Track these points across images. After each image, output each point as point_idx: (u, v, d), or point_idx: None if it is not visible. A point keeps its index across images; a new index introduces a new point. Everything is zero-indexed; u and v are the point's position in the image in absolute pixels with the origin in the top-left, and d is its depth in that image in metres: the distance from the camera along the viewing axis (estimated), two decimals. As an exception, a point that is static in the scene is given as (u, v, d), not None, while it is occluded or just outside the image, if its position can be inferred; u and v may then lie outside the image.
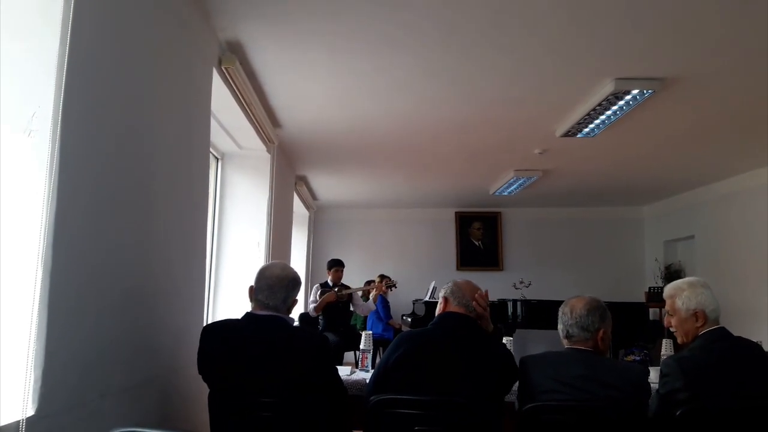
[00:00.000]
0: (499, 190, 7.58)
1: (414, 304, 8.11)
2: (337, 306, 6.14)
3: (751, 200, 6.57)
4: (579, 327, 2.26)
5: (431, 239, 9.57)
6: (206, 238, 3.25)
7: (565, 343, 2.32)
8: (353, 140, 5.52)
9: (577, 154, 5.93)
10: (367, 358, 3.52)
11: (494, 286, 8.15)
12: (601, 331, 2.26)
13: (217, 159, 5.00)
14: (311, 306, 6.10)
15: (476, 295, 2.42)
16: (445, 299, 2.44)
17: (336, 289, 6.16)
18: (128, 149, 2.18)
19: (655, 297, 7.82)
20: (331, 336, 5.83)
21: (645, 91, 3.93)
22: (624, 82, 3.85)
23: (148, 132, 2.37)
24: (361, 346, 3.59)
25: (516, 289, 8.02)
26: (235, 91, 3.71)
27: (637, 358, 6.08)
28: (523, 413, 2.14)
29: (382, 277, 7.16)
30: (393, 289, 7.27)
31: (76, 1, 1.71)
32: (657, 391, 2.30)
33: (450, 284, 2.48)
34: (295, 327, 2.39)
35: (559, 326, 2.33)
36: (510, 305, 7.20)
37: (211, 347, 2.24)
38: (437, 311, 2.47)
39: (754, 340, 2.44)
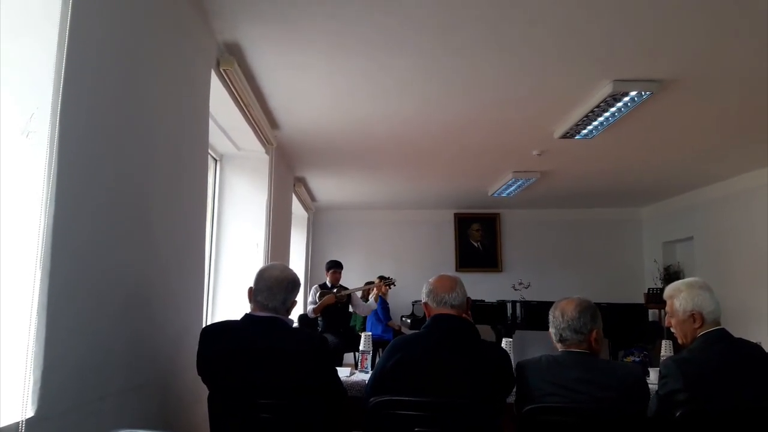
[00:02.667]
0: (497, 192, 7.58)
1: (413, 305, 8.11)
2: (336, 307, 6.14)
3: (749, 201, 6.58)
4: (572, 330, 2.25)
5: (430, 240, 9.57)
6: (205, 239, 3.25)
7: (559, 347, 2.31)
8: (352, 142, 5.52)
9: (576, 156, 5.93)
10: (366, 359, 3.52)
11: (493, 287, 8.28)
12: (594, 332, 2.26)
13: (216, 160, 5.00)
14: (310, 307, 6.10)
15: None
16: (425, 305, 2.45)
17: (335, 291, 6.16)
18: (127, 150, 2.18)
19: (654, 298, 7.82)
20: (330, 337, 5.82)
21: (643, 93, 3.93)
22: (622, 84, 3.85)
23: (147, 133, 2.37)
24: (361, 348, 3.59)
25: (515, 290, 8.03)
26: (233, 92, 3.71)
27: (637, 359, 6.07)
28: (522, 415, 2.14)
29: (381, 278, 7.16)
30: (392, 287, 7.28)
31: (75, 2, 1.71)
32: (656, 392, 2.30)
33: (425, 288, 2.46)
34: (295, 328, 2.39)
35: (551, 330, 2.32)
36: (509, 306, 7.21)
37: (211, 348, 2.24)
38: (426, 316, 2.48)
39: (754, 341, 2.44)
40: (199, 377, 2.25)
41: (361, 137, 5.36)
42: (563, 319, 2.27)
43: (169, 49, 2.62)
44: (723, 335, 2.35)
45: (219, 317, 4.62)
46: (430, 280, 2.49)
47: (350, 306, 6.46)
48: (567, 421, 2.13)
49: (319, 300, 6.05)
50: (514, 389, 2.37)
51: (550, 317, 2.33)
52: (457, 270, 9.32)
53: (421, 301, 2.52)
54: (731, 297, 6.35)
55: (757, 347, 2.39)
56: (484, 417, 2.11)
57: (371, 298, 6.44)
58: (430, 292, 2.42)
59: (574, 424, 2.12)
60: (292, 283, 2.36)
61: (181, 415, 2.80)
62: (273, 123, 4.90)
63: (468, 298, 2.43)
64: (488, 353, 2.32)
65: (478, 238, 9.63)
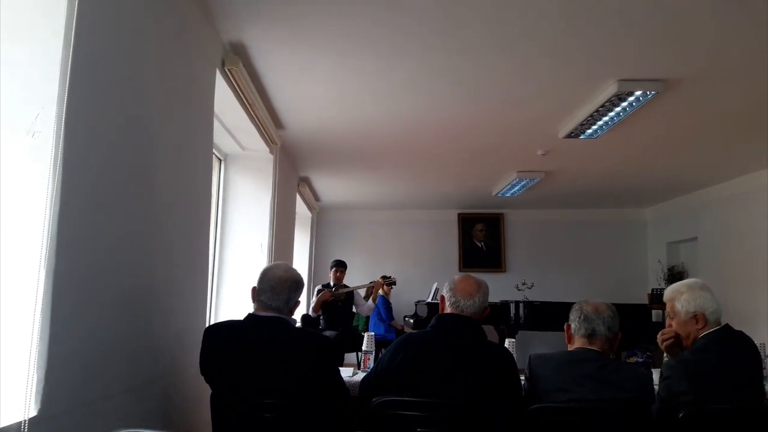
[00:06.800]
0: (501, 192, 7.57)
1: (416, 305, 8.11)
2: (335, 306, 6.15)
3: (754, 202, 6.55)
4: (606, 326, 2.27)
5: (434, 240, 9.57)
6: (209, 239, 3.25)
7: (582, 342, 2.29)
8: (356, 142, 5.53)
9: (580, 156, 5.92)
10: (369, 359, 3.52)
11: (496, 287, 8.17)
12: (619, 334, 2.30)
13: (220, 160, 5.01)
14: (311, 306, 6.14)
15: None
16: (442, 298, 2.44)
17: (333, 289, 6.18)
18: (131, 150, 2.19)
19: (658, 299, 7.78)
20: (329, 332, 5.86)
21: (648, 93, 3.92)
22: (627, 84, 3.84)
23: (152, 132, 2.38)
24: (364, 348, 3.59)
25: (518, 290, 8.02)
26: (238, 92, 3.71)
27: (640, 359, 6.07)
28: (527, 413, 2.14)
29: (384, 278, 7.18)
30: (393, 286, 7.31)
31: (80, 3, 1.71)
32: (658, 393, 2.30)
33: (448, 283, 2.45)
34: (297, 328, 2.39)
35: (582, 325, 2.30)
36: (512, 307, 7.20)
37: (214, 348, 2.24)
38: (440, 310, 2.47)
39: (757, 343, 2.43)
40: (202, 377, 2.26)
41: (365, 137, 5.36)
42: (598, 315, 2.29)
43: (173, 48, 2.63)
44: (724, 335, 2.35)
45: (222, 317, 4.63)
46: (455, 277, 2.46)
47: (353, 306, 6.47)
48: (573, 420, 2.13)
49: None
50: (524, 383, 2.36)
51: (580, 313, 2.32)
52: (460, 270, 9.30)
53: (424, 300, 2.54)
54: (735, 298, 6.33)
55: (751, 342, 2.39)
56: (487, 417, 2.11)
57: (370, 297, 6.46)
58: (450, 290, 2.41)
59: (580, 423, 2.12)
60: (296, 284, 2.36)
61: (184, 414, 2.81)
62: (278, 123, 4.90)
63: (486, 308, 2.40)
64: (492, 354, 2.31)
65: (481, 239, 9.62)
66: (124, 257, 2.13)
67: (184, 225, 2.81)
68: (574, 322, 2.34)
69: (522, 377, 2.41)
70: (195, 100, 2.96)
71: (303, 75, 3.88)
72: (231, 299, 4.81)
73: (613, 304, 2.39)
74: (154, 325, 2.45)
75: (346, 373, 3.15)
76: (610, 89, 3.91)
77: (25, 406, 1.54)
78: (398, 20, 3.08)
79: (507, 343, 3.43)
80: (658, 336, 2.54)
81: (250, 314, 2.32)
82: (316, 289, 6.35)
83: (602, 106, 4.15)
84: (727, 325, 2.39)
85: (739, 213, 6.87)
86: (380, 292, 7.32)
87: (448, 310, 2.39)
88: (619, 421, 2.12)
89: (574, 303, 2.41)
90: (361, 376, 3.26)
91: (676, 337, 2.47)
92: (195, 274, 3.01)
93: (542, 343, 7.71)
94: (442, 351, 2.26)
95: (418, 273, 8.93)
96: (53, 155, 1.64)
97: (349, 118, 4.81)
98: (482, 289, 2.40)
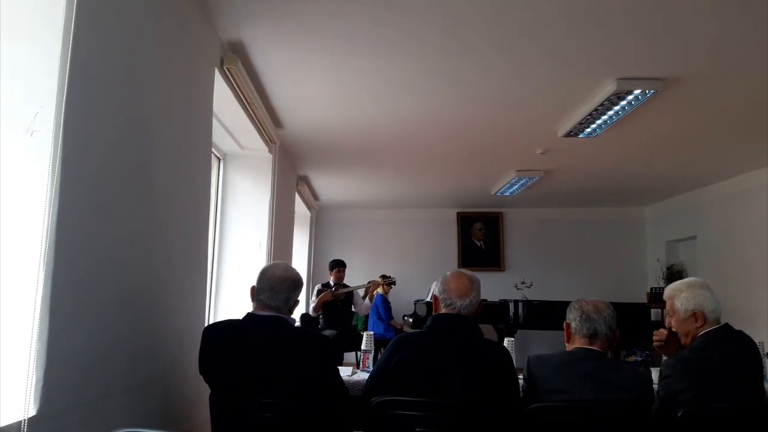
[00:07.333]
0: (500, 191, 7.57)
1: (415, 304, 8.11)
2: (335, 305, 6.16)
3: (753, 200, 6.56)
4: (607, 326, 2.26)
5: (433, 240, 9.57)
6: (208, 238, 3.25)
7: (583, 342, 2.28)
8: (355, 141, 5.53)
9: (579, 155, 5.92)
10: (368, 358, 3.52)
11: (495, 286, 8.26)
12: (617, 331, 2.29)
13: (219, 159, 5.01)
14: (312, 306, 6.14)
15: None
16: (435, 298, 2.41)
17: (333, 288, 6.19)
18: (130, 150, 2.18)
19: (657, 297, 7.81)
20: (328, 331, 5.86)
21: (647, 92, 3.92)
22: (626, 83, 3.84)
23: (150, 132, 2.37)
24: (363, 347, 3.59)
25: (517, 289, 8.03)
26: (237, 91, 3.71)
27: (639, 358, 6.08)
28: (525, 413, 2.14)
29: (384, 277, 7.19)
30: (392, 286, 7.31)
31: (78, 2, 1.71)
32: (657, 392, 2.30)
33: (439, 282, 2.40)
34: (296, 327, 2.39)
35: (584, 325, 2.28)
36: (511, 306, 7.20)
37: (213, 348, 2.24)
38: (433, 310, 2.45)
39: (756, 341, 2.44)
40: (201, 376, 2.26)
41: (364, 136, 5.36)
42: (599, 315, 2.26)
43: (172, 48, 2.62)
44: (724, 334, 2.36)
45: (221, 316, 4.63)
46: (447, 274, 2.41)
47: (352, 305, 6.48)
48: (572, 420, 2.13)
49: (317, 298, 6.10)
50: (523, 384, 2.35)
51: (579, 312, 2.30)
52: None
53: (423, 299, 2.51)
54: (734, 296, 6.34)
55: (752, 341, 2.39)
56: (485, 417, 2.11)
57: (368, 296, 6.47)
58: (444, 291, 2.36)
59: (578, 423, 2.12)
60: (295, 283, 2.36)
61: (184, 414, 2.81)
62: (276, 122, 4.90)
63: (480, 303, 2.37)
64: (489, 352, 2.30)
65: (480, 237, 9.62)
66: (124, 257, 2.13)
67: (184, 225, 2.81)
68: (574, 321, 2.31)
69: (520, 376, 2.40)
70: (194, 100, 2.96)
71: (302, 74, 3.88)
72: (230, 298, 4.81)
73: (612, 303, 2.37)
74: (154, 325, 2.45)
75: (345, 372, 3.15)
76: (609, 88, 3.92)
77: (25, 406, 1.54)
78: (397, 20, 3.08)
79: (506, 342, 3.44)
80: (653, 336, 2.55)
81: (249, 313, 2.32)
82: (315, 289, 6.36)
83: (601, 104, 4.15)
84: (727, 324, 2.39)
85: (738, 212, 6.87)
86: (380, 291, 7.34)
87: (442, 310, 2.36)
88: (617, 420, 2.12)
89: (572, 302, 2.40)
90: (360, 375, 3.26)
91: (668, 337, 2.48)
92: (194, 274, 3.01)
93: (542, 341, 7.74)
94: (438, 351, 2.25)
95: (417, 272, 8.92)
96: (52, 154, 1.64)
97: (348, 118, 4.81)
98: (475, 286, 2.37)
